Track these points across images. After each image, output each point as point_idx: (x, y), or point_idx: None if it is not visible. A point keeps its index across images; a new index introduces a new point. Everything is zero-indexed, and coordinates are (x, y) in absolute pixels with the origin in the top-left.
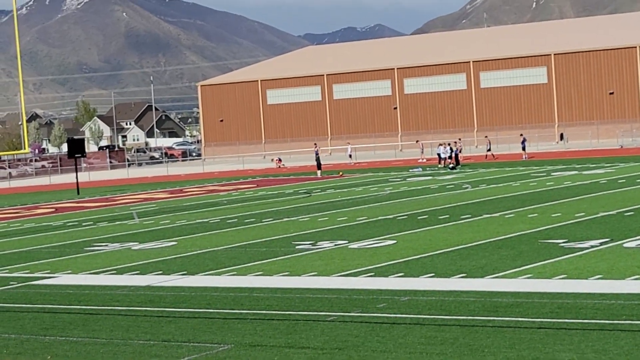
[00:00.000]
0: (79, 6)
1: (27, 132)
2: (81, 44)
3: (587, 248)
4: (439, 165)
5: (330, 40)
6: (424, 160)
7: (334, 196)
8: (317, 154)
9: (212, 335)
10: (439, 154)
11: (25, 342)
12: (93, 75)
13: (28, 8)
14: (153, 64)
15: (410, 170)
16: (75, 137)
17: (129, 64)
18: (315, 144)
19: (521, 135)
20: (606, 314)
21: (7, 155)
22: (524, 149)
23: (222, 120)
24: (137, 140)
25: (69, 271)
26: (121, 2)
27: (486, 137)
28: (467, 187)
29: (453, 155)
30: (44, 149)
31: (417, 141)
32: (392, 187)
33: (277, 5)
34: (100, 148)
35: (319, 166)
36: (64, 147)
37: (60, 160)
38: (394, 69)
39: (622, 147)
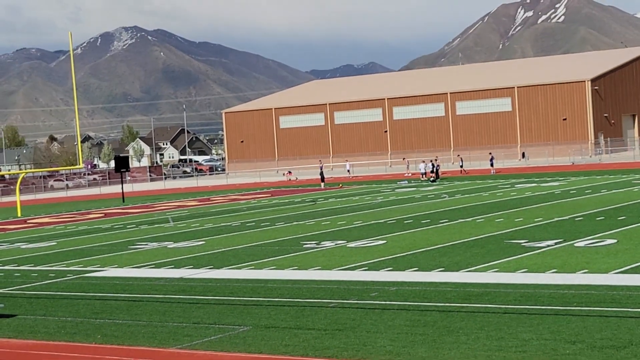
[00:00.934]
0: (124, 47)
1: (81, 151)
2: (126, 78)
3: (544, 247)
4: (422, 179)
5: (332, 75)
6: (410, 174)
7: (335, 204)
8: (321, 169)
9: (234, 318)
10: (421, 169)
11: (79, 324)
12: (136, 104)
13: (82, 48)
14: (185, 95)
15: (398, 182)
16: (121, 155)
17: (166, 95)
18: (320, 160)
19: (490, 154)
20: (560, 301)
21: (64, 170)
22: (492, 165)
23: (242, 141)
24: (172, 157)
25: (116, 265)
26: (159, 43)
27: (458, 155)
28: (445, 197)
29: (434, 170)
30: (95, 164)
31: (403, 159)
32: (383, 197)
33: (288, 46)
34: (180, 161)
35: (322, 179)
36: (112, 163)
37: (108, 174)
38: (384, 99)
39: (573, 163)
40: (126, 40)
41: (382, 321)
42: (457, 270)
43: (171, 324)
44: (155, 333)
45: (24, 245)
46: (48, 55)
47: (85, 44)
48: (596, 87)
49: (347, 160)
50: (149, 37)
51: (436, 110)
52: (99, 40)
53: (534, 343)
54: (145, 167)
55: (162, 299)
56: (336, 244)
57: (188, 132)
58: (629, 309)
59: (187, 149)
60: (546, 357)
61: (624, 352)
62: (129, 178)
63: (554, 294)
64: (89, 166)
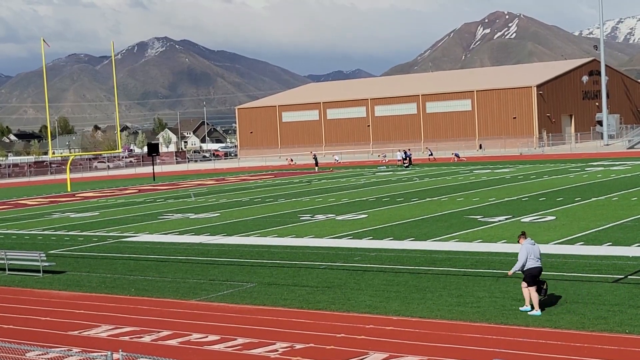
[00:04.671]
0: (156, 53)
1: (120, 138)
2: (157, 79)
3: (496, 222)
4: (398, 164)
5: (325, 79)
6: (386, 160)
7: (326, 184)
8: (315, 156)
9: (243, 276)
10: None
11: (117, 280)
12: (165, 100)
13: (122, 54)
14: (205, 93)
15: (378, 167)
16: (152, 142)
17: (189, 93)
18: (311, 151)
19: (454, 153)
20: (508, 266)
21: (107, 153)
22: (457, 156)
23: (251, 132)
24: (194, 144)
25: (147, 232)
26: (185, 51)
27: (427, 147)
28: (416, 180)
29: (407, 157)
30: (131, 149)
31: (379, 155)
32: (365, 179)
33: (290, 55)
34: (217, 150)
35: (316, 164)
36: (145, 149)
37: (142, 157)
38: (368, 99)
39: (521, 154)
40: (158, 48)
41: (363, 280)
42: (425, 240)
43: (191, 280)
44: (179, 287)
45: (72, 215)
46: (94, 59)
47: (124, 51)
48: (541, 92)
49: (335, 155)
50: (177, 46)
51: (410, 109)
52: (136, 48)
53: (486, 300)
54: (172, 152)
55: (185, 260)
56: (327, 217)
57: (207, 123)
58: (564, 273)
59: (207, 137)
60: (496, 312)
61: (559, 308)
62: (158, 161)
63: (503, 260)
64: (127, 150)
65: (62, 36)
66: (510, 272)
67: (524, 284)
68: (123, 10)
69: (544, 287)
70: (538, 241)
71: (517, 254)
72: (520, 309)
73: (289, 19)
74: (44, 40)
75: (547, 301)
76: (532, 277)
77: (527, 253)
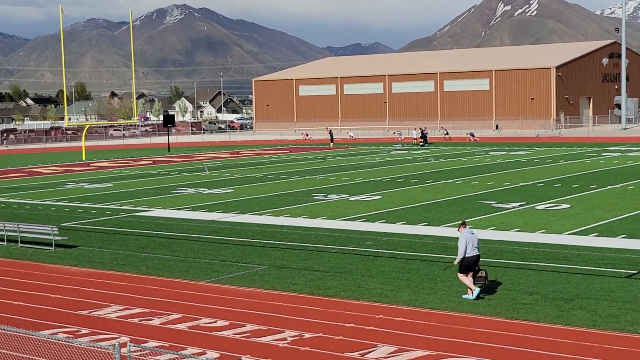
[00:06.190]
0: (174, 21)
1: (137, 106)
2: (175, 46)
3: (510, 208)
4: (413, 143)
5: (344, 52)
6: (402, 138)
7: (340, 162)
8: (330, 131)
9: (254, 258)
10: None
11: (128, 257)
12: (182, 68)
13: (140, 21)
14: (223, 62)
15: (393, 145)
16: (168, 111)
17: (207, 62)
18: (327, 127)
19: (468, 133)
20: (521, 256)
21: (122, 123)
22: (473, 135)
23: (267, 105)
24: (210, 114)
25: (160, 207)
26: (203, 19)
27: (442, 127)
28: (431, 160)
29: (423, 136)
30: (147, 118)
31: (394, 133)
32: (380, 158)
33: (309, 26)
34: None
35: (332, 139)
36: (161, 117)
37: (157, 127)
38: (385, 75)
39: (537, 135)
40: (176, 15)
41: (374, 267)
42: (438, 225)
43: (203, 260)
44: (190, 268)
45: (86, 185)
46: (113, 25)
47: (143, 17)
48: (559, 74)
49: (350, 131)
50: (195, 14)
51: (427, 86)
52: (154, 14)
53: (497, 293)
54: (188, 122)
55: (196, 238)
56: (340, 197)
57: (224, 94)
58: (578, 266)
59: (223, 108)
60: (507, 305)
61: (571, 303)
62: (174, 131)
63: (516, 249)
64: (142, 119)
65: (81, 1)
66: (455, 262)
67: (460, 275)
68: None
69: (484, 274)
70: (552, 230)
71: (528, 243)
72: (464, 296)
73: None
74: (62, 9)
75: (560, 295)
76: (469, 265)
77: (466, 241)
